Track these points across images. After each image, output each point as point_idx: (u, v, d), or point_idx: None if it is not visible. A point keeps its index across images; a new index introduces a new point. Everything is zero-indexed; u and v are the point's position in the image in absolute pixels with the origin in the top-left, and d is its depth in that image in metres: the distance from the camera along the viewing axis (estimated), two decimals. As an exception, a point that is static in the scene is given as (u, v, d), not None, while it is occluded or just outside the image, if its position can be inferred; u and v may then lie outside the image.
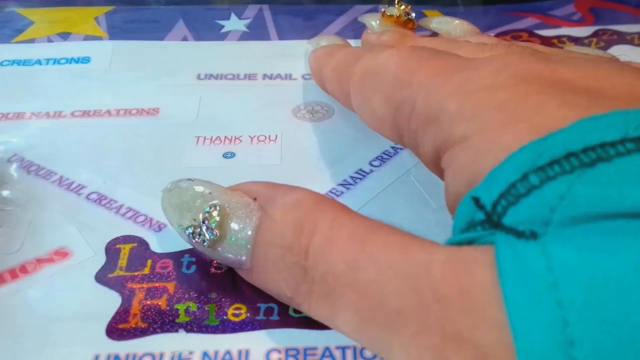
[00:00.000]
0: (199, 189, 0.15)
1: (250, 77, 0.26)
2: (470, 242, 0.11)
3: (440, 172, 0.14)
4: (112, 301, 0.16)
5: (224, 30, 0.30)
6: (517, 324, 0.09)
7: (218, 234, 0.15)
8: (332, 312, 0.13)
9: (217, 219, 0.15)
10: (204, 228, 0.15)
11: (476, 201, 0.11)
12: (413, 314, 0.11)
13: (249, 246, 0.14)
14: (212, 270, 0.17)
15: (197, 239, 0.15)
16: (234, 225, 0.14)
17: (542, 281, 0.09)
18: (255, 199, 0.15)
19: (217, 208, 0.15)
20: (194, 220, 0.15)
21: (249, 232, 0.14)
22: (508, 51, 0.15)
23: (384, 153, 0.22)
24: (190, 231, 0.15)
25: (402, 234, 0.12)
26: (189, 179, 0.16)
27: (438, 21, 0.25)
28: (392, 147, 0.22)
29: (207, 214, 0.15)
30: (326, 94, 0.25)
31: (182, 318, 0.16)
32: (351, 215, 0.13)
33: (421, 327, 0.11)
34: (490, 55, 0.15)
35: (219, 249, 0.15)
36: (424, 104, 0.14)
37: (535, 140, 0.11)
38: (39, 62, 0.27)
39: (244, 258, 0.15)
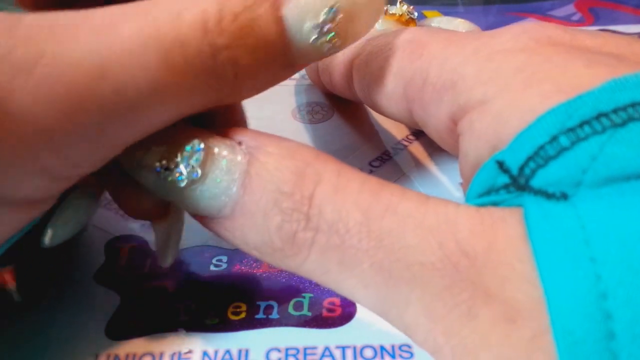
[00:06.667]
0: (179, 126, 0.14)
1: (250, 77, 0.26)
2: (492, 205, 0.11)
3: (452, 144, 0.14)
4: (112, 301, 0.16)
5: (224, 31, 0.30)
6: (549, 280, 0.09)
7: (200, 173, 0.13)
8: (338, 265, 0.12)
9: (201, 157, 0.13)
10: (182, 165, 0.13)
11: (500, 165, 0.11)
12: (440, 268, 0.10)
13: (234, 190, 0.13)
14: (212, 268, 0.17)
15: (170, 178, 0.13)
16: (220, 166, 0.13)
17: (575, 239, 0.09)
18: (240, 143, 0.13)
19: (201, 146, 0.13)
20: (172, 155, 0.13)
21: (236, 175, 0.13)
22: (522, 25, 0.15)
23: (383, 154, 0.22)
24: (163, 166, 0.13)
25: (417, 192, 0.12)
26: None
27: (440, 21, 0.25)
28: (392, 148, 0.22)
29: (188, 152, 0.13)
30: (326, 95, 0.25)
31: (182, 317, 0.16)
32: (357, 170, 0.13)
33: (450, 282, 0.10)
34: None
35: (196, 192, 0.13)
36: (438, 73, 0.14)
37: (564, 102, 0.11)
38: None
39: (224, 204, 0.13)
